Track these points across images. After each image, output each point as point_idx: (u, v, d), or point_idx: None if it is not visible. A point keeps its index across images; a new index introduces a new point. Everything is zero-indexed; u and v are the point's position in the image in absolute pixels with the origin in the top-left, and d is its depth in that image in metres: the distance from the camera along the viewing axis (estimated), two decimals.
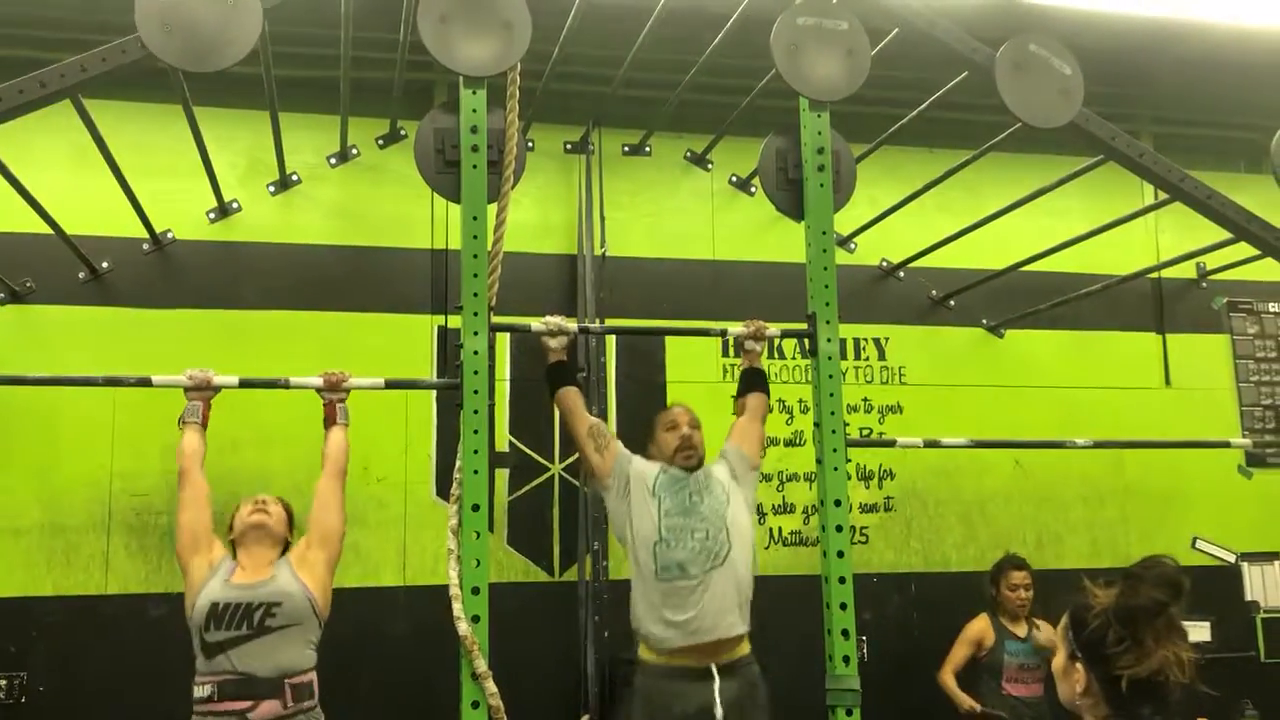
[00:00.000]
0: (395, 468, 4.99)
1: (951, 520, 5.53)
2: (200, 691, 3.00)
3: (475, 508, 3.25)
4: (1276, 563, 5.72)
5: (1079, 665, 1.73)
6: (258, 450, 4.85)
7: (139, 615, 4.66)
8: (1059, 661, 1.82)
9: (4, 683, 4.47)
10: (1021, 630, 4.90)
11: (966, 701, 4.78)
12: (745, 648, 3.55)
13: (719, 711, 3.28)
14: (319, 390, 3.58)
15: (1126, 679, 1.64)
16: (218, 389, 3.47)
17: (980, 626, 4.93)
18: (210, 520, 3.47)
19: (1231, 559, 5.74)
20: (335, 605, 4.55)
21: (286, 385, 3.41)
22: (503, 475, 5.12)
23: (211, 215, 4.99)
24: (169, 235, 4.92)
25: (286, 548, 3.47)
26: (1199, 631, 5.36)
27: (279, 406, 4.84)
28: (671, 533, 3.52)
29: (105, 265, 4.83)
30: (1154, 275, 5.72)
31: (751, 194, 5.52)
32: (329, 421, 3.64)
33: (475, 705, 3.09)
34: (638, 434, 5.23)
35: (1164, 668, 1.65)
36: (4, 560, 4.57)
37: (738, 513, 3.66)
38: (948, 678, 4.88)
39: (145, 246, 4.89)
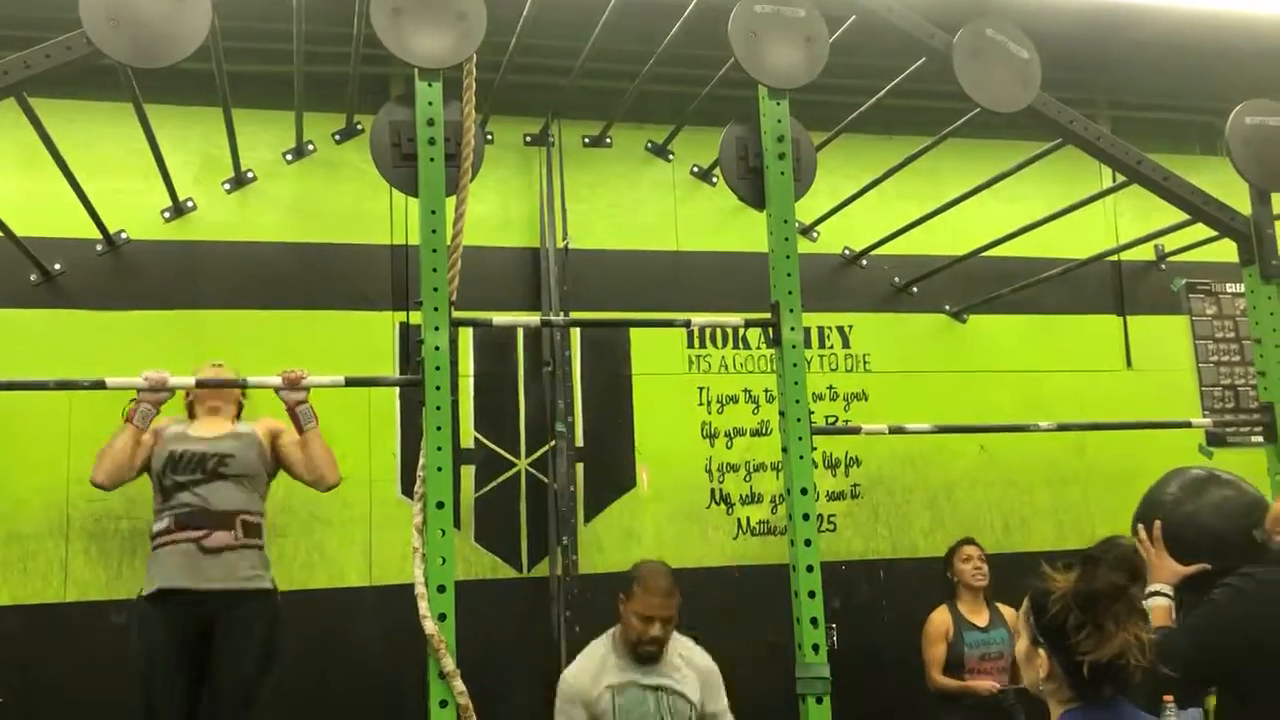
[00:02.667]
0: (359, 466, 4.93)
1: (918, 506, 5.56)
2: (158, 525, 3.16)
3: (440, 505, 3.21)
4: None
5: (1041, 651, 1.74)
6: None
7: (100, 622, 4.58)
8: (1021, 647, 1.82)
9: None
10: (982, 619, 4.85)
11: (980, 687, 4.65)
12: None
13: None
14: (278, 390, 3.51)
15: (1088, 664, 1.65)
16: (173, 391, 3.40)
17: (940, 619, 4.86)
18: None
19: None
20: (302, 606, 4.53)
21: (245, 385, 3.36)
22: (468, 472, 5.09)
23: (166, 214, 4.91)
24: (123, 235, 4.83)
25: (239, 411, 3.44)
26: None
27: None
28: None
29: (57, 267, 4.74)
30: (1113, 258, 5.77)
31: (713, 184, 5.51)
32: (298, 428, 3.54)
33: (444, 704, 3.06)
34: (602, 430, 5.25)
35: (1125, 651, 1.65)
36: None
37: None
38: (940, 679, 4.77)
39: (99, 247, 4.80)
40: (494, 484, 5.14)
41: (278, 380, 3.52)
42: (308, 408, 3.50)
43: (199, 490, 3.12)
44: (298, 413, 3.45)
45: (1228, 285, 6.08)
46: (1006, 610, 4.88)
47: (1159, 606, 2.63)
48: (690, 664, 3.57)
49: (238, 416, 3.51)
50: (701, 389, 5.43)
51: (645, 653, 3.45)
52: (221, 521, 3.14)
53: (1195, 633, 2.44)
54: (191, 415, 3.43)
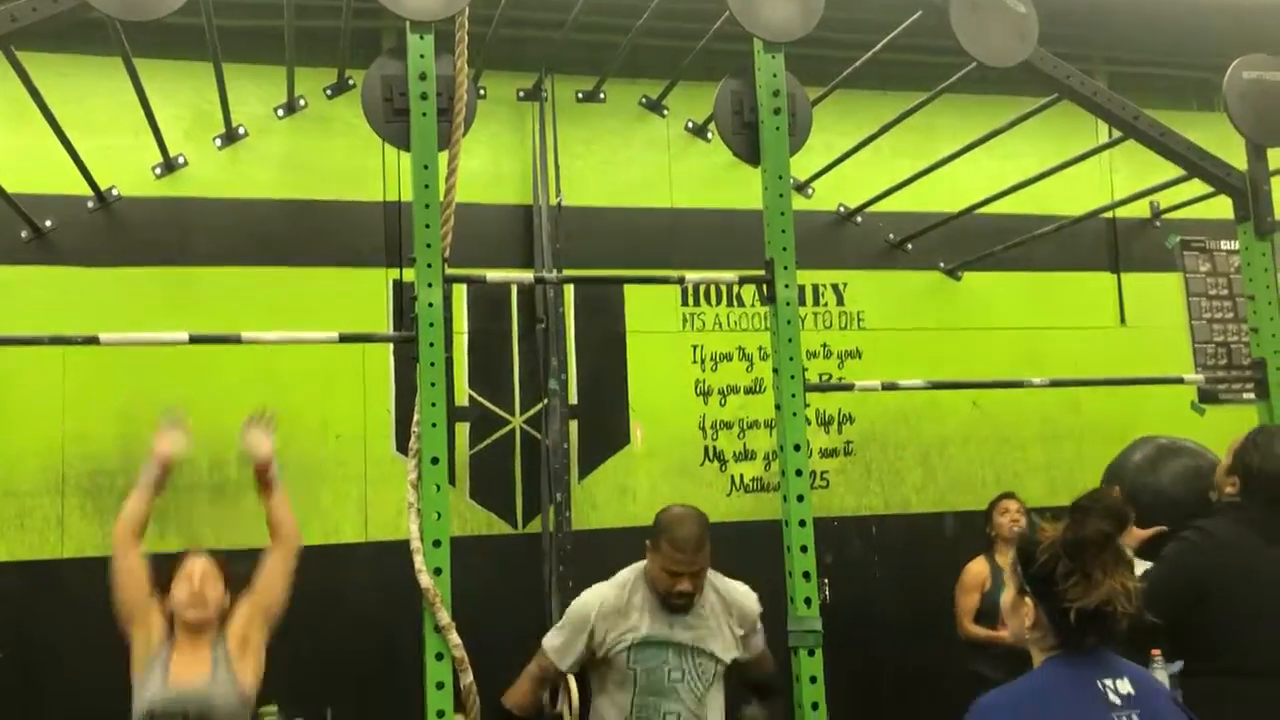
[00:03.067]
0: (353, 424, 4.94)
1: (911, 463, 5.58)
2: None
3: (435, 461, 3.23)
4: None
5: (1028, 599, 1.76)
6: (212, 414, 4.76)
7: (97, 578, 4.57)
8: (1008, 597, 1.84)
9: None
10: None
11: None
12: None
13: None
14: (248, 448, 3.38)
15: (1075, 610, 1.67)
16: (182, 451, 3.34)
17: (976, 569, 4.91)
18: (147, 585, 3.28)
19: None
20: (298, 563, 4.54)
21: (238, 340, 3.35)
22: (463, 429, 5.10)
23: (157, 170, 4.87)
24: (114, 192, 4.80)
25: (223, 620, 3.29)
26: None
27: (232, 367, 4.79)
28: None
29: (48, 224, 4.71)
30: (1108, 215, 5.75)
31: (708, 140, 5.47)
32: (266, 487, 3.40)
33: (439, 657, 3.09)
34: (596, 388, 5.26)
35: (1112, 598, 1.67)
36: None
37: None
38: (971, 628, 4.81)
39: (90, 204, 4.77)
40: (488, 441, 5.15)
41: (274, 336, 3.51)
42: (276, 468, 3.39)
43: None
44: (270, 477, 3.36)
45: (1222, 242, 6.08)
46: None
47: None
48: (731, 609, 3.18)
49: (222, 626, 3.30)
50: (695, 347, 5.43)
51: (676, 605, 3.08)
52: None
53: (1149, 582, 2.52)
54: (171, 629, 3.26)
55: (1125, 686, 1.73)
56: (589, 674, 3.24)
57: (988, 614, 4.77)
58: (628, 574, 3.22)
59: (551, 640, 3.23)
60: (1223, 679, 2.70)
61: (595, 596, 3.18)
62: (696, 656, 3.07)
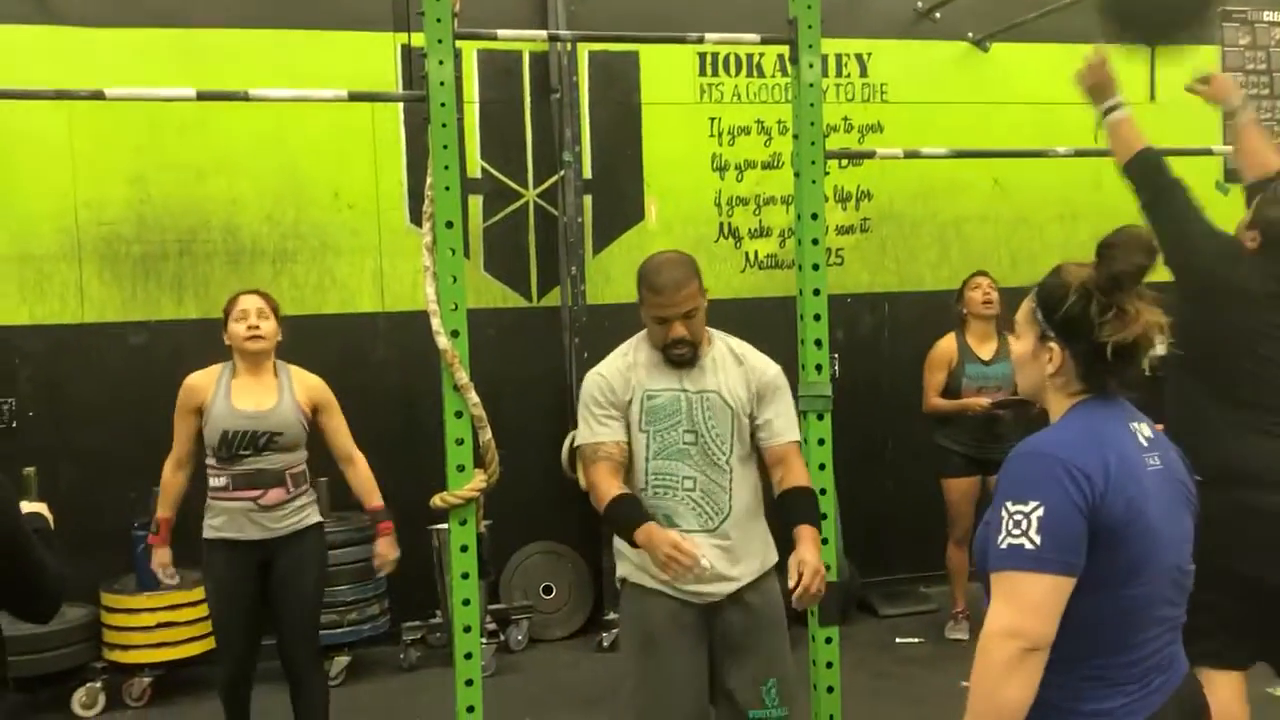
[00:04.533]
0: (366, 194, 4.91)
1: (927, 240, 5.55)
2: (216, 481, 3.41)
3: (449, 225, 3.19)
4: None
5: (1053, 344, 1.72)
6: (224, 177, 4.76)
7: (119, 343, 4.70)
8: (1024, 347, 1.80)
9: None
10: (987, 351, 4.87)
11: (974, 403, 4.72)
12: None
13: None
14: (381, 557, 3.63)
15: (1112, 345, 1.64)
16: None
17: (945, 347, 4.88)
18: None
19: None
20: (315, 332, 4.61)
21: (246, 98, 3.27)
22: (476, 202, 5.06)
23: None
24: None
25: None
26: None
27: (241, 130, 4.72)
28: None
29: None
30: None
31: None
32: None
33: (459, 415, 3.14)
34: (611, 162, 5.17)
35: (1146, 332, 1.65)
36: None
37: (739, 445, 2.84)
38: (935, 401, 4.85)
39: None
40: (502, 214, 5.12)
41: (282, 94, 3.47)
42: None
43: (253, 460, 3.40)
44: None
45: (1265, 13, 5.82)
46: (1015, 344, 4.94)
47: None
48: (742, 361, 2.89)
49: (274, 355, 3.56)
50: (713, 119, 5.32)
51: (676, 356, 2.82)
52: (275, 480, 3.41)
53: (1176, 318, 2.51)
54: (234, 365, 3.50)
55: (1146, 430, 1.74)
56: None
57: (952, 390, 4.82)
58: (627, 344, 2.98)
59: (583, 432, 2.87)
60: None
61: (599, 366, 2.94)
62: (705, 399, 2.81)
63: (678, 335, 2.77)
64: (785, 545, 2.66)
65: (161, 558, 3.51)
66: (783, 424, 2.86)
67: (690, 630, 2.73)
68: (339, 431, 3.60)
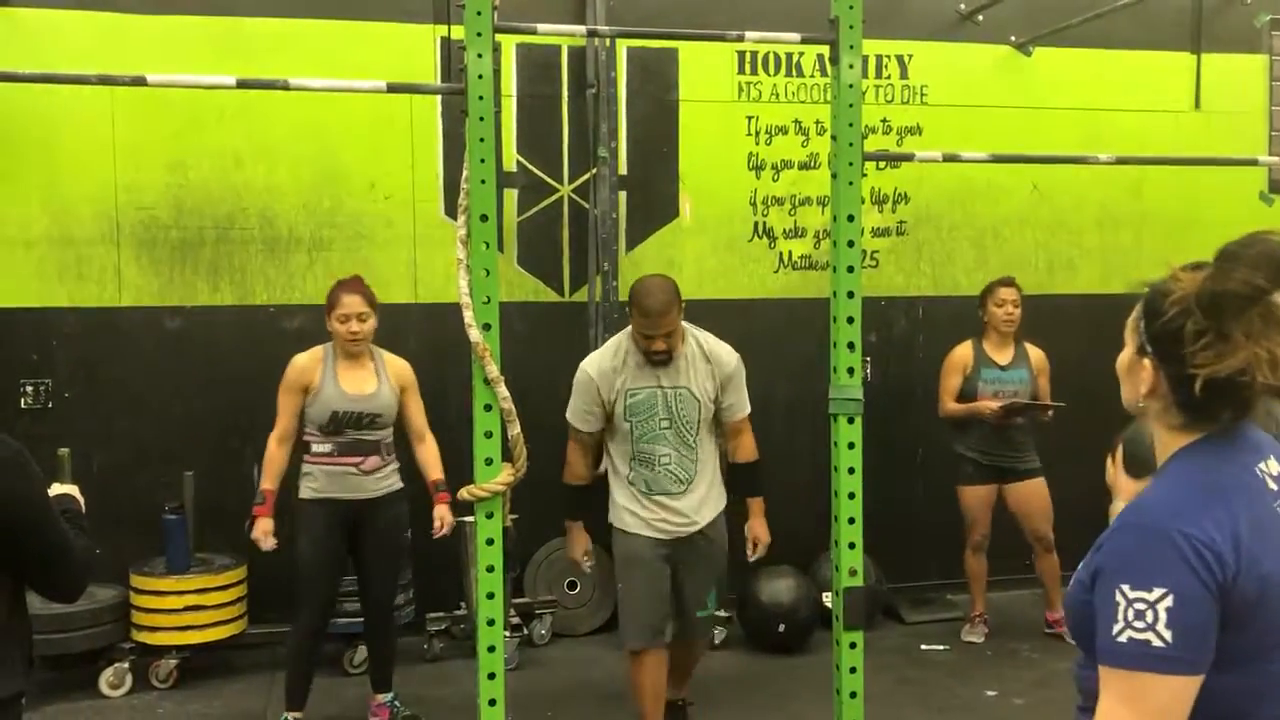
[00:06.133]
0: (402, 185, 4.93)
1: (964, 245, 5.50)
2: (321, 447, 3.88)
3: (484, 218, 3.20)
4: None
5: (1147, 361, 1.44)
6: (262, 165, 4.78)
7: (155, 327, 4.74)
8: (1125, 356, 1.52)
9: (31, 389, 4.61)
10: (1005, 356, 4.86)
11: (984, 405, 4.73)
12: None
13: None
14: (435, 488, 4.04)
15: (1202, 379, 1.36)
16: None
17: (961, 353, 4.89)
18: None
19: None
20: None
21: (286, 87, 3.29)
22: (511, 195, 5.06)
23: None
24: None
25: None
26: None
27: (280, 119, 4.75)
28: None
29: None
30: None
31: None
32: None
33: (488, 408, 3.15)
34: (646, 158, 5.16)
35: (1249, 367, 1.34)
36: (17, 271, 4.61)
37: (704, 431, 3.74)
38: (951, 405, 4.87)
39: None
40: (536, 209, 5.12)
41: (320, 83, 3.48)
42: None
43: (357, 434, 3.88)
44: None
45: None
46: (1034, 351, 4.91)
47: None
48: (709, 358, 3.68)
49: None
50: (750, 118, 5.29)
51: (656, 360, 3.60)
52: (373, 449, 3.91)
53: None
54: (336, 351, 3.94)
55: (1274, 467, 1.45)
56: (604, 436, 3.78)
57: (968, 395, 4.83)
58: (619, 338, 3.73)
59: (571, 413, 3.71)
60: None
61: (591, 362, 3.70)
62: (678, 394, 3.61)
63: (658, 349, 3.58)
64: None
65: (265, 526, 3.83)
66: (738, 404, 3.76)
67: (660, 558, 3.66)
68: (418, 410, 4.08)
